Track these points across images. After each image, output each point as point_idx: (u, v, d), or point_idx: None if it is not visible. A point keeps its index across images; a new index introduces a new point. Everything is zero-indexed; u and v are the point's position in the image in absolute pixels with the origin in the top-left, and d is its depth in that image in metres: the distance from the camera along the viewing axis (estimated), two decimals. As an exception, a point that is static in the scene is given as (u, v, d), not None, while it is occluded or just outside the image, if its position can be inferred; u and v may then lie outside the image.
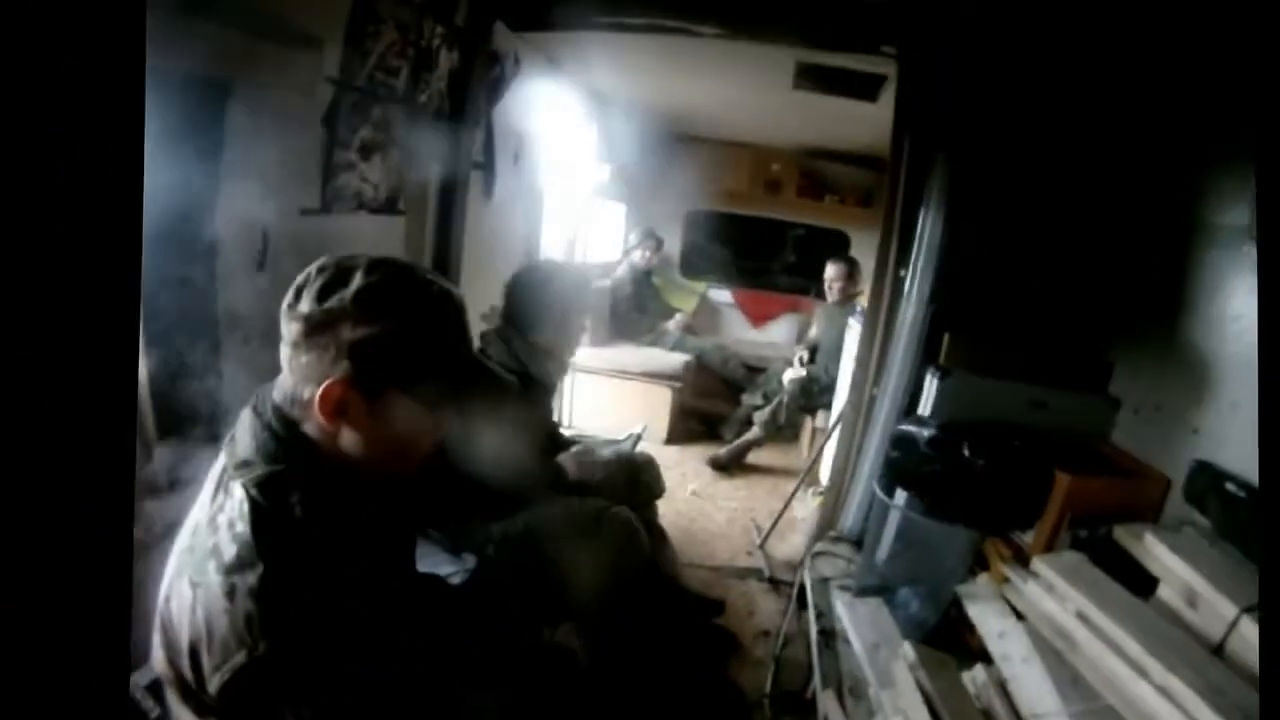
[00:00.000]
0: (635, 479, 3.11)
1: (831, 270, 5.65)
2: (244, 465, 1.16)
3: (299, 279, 1.17)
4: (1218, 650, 1.64)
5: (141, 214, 0.74)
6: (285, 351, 1.18)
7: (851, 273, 5.60)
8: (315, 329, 1.13)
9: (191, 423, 1.95)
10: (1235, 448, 2.09)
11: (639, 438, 3.83)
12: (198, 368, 1.96)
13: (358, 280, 1.14)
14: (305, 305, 1.14)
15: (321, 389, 1.15)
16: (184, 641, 1.08)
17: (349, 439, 1.21)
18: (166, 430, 1.94)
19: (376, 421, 1.21)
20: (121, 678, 0.85)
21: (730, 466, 5.43)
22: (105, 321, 0.72)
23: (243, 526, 1.10)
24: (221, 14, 1.79)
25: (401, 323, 1.17)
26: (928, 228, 2.91)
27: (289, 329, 1.16)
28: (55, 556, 0.70)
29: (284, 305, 1.16)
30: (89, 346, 0.70)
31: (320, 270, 1.17)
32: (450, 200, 3.31)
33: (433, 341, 1.23)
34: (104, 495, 0.74)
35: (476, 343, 2.58)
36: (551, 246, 5.31)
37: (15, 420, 0.65)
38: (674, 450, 5.70)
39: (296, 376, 1.18)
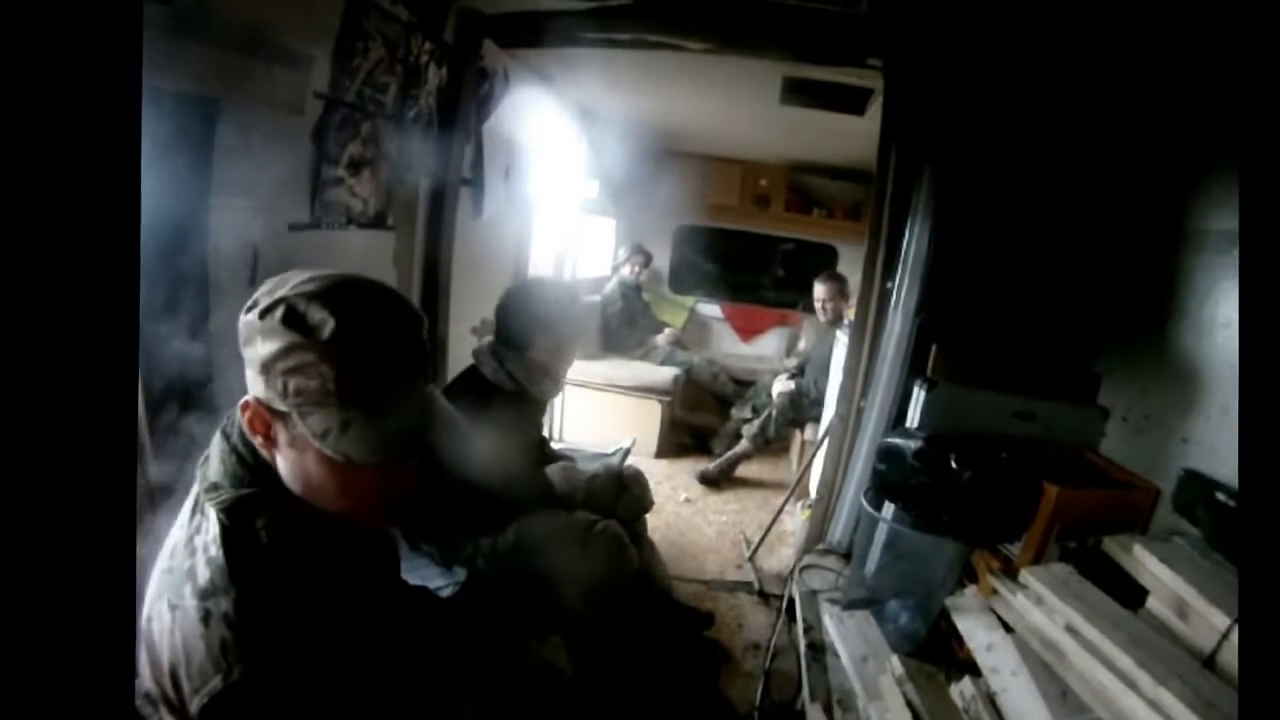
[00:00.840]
0: (624, 493, 3.11)
1: (821, 290, 5.62)
2: (214, 488, 1.16)
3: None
4: (1208, 662, 1.64)
5: (139, 222, 0.74)
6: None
7: (842, 290, 5.58)
8: (243, 342, 1.12)
9: (185, 437, 1.94)
10: (1225, 456, 2.10)
11: (628, 451, 3.83)
12: (191, 382, 1.96)
13: (282, 291, 1.10)
14: (240, 317, 1.12)
15: (241, 401, 1.15)
16: (165, 662, 1.08)
17: (283, 468, 1.18)
18: (160, 444, 1.93)
19: (294, 452, 1.16)
20: (126, 678, 0.86)
21: (720, 480, 5.42)
22: (105, 329, 0.72)
23: (215, 551, 1.10)
24: (210, 33, 1.80)
25: (310, 340, 1.08)
26: (915, 239, 2.92)
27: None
28: (59, 562, 0.71)
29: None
30: (90, 354, 0.71)
31: (267, 282, 1.14)
32: (439, 215, 3.32)
33: (351, 365, 1.11)
34: (107, 502, 0.74)
35: (470, 359, 2.61)
36: (541, 262, 5.31)
37: (23, 428, 0.66)
38: (664, 464, 5.71)
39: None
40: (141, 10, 0.74)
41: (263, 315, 1.08)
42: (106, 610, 0.77)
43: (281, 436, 1.15)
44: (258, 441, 1.17)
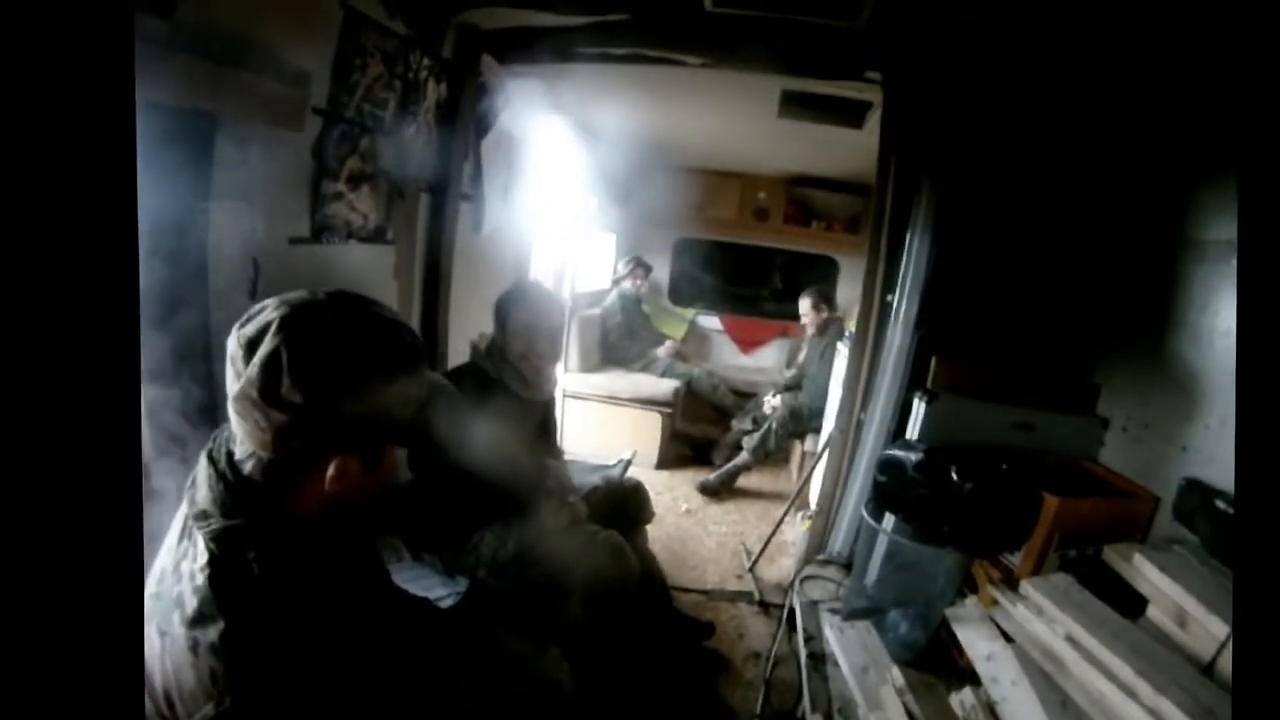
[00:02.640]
0: (624, 504, 3.11)
1: (803, 304, 5.74)
2: (203, 516, 1.14)
3: (261, 356, 1.10)
4: (1208, 670, 1.64)
5: (135, 229, 0.75)
6: (263, 436, 1.13)
7: (821, 302, 5.69)
8: (309, 417, 1.11)
9: (185, 450, 1.94)
10: (1225, 465, 2.10)
11: (629, 463, 3.83)
12: (192, 396, 1.96)
13: (342, 354, 1.13)
14: (295, 395, 1.09)
15: (333, 468, 1.16)
16: (158, 685, 1.09)
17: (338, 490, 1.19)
18: (159, 457, 1.94)
19: (370, 469, 1.22)
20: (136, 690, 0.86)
21: (720, 491, 5.42)
22: (106, 340, 0.73)
23: (201, 580, 1.09)
24: (208, 48, 1.80)
25: (390, 383, 1.18)
26: (914, 252, 2.93)
27: (269, 417, 1.11)
28: (63, 574, 0.71)
29: (252, 394, 1.10)
30: (91, 364, 0.72)
31: (292, 347, 1.10)
32: (439, 230, 3.33)
33: (412, 389, 1.24)
34: (111, 511, 0.75)
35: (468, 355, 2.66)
36: (541, 276, 5.32)
37: (27, 438, 0.67)
38: (664, 475, 5.71)
39: (281, 456, 1.15)
40: (132, 24, 0.74)
41: (350, 381, 1.14)
42: (111, 623, 0.77)
43: (359, 468, 1.20)
44: (332, 491, 1.18)
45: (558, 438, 3.29)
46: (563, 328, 2.84)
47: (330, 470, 1.16)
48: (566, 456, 3.32)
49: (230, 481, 1.16)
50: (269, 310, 1.12)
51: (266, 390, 1.09)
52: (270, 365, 1.08)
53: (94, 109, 0.71)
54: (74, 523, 0.72)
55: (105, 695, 0.77)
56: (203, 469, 1.19)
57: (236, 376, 1.11)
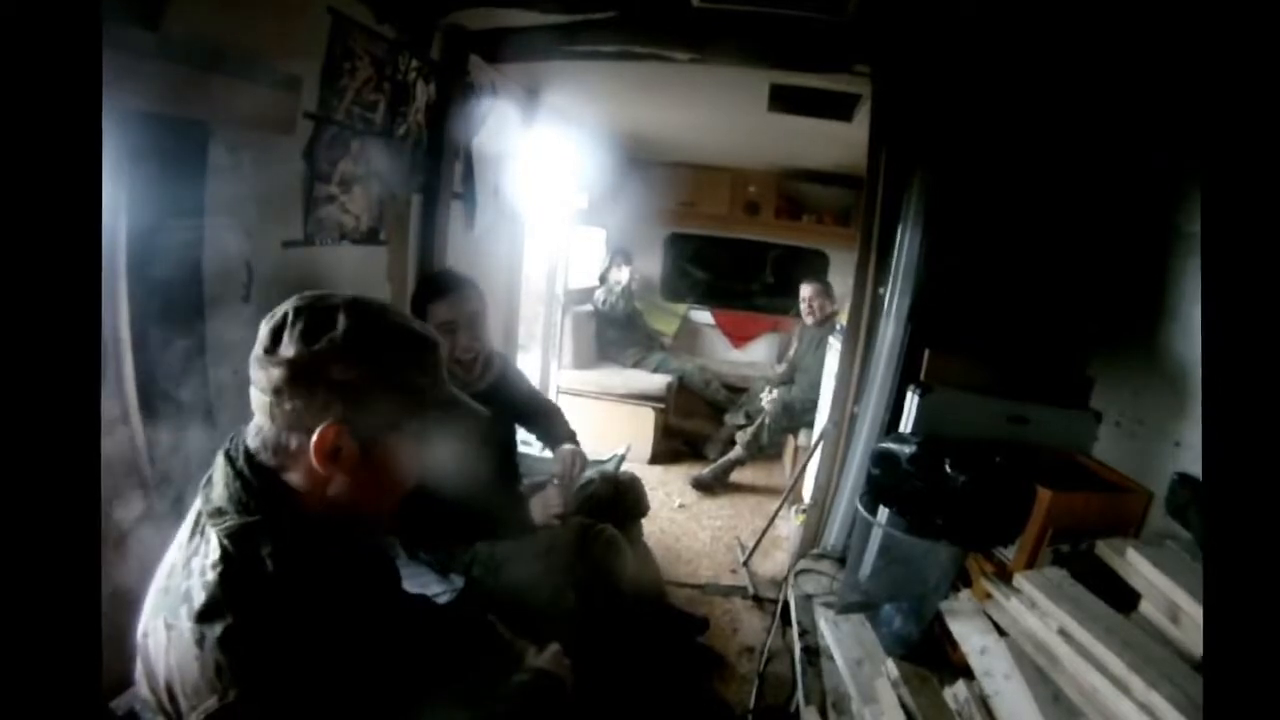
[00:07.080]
0: (619, 498, 3.12)
1: (807, 290, 5.77)
2: (218, 513, 1.16)
3: (271, 322, 1.18)
4: (1200, 665, 1.65)
5: (100, 230, 0.76)
6: (264, 399, 1.16)
7: (826, 292, 5.71)
8: (301, 373, 1.14)
9: (184, 456, 1.95)
10: (1218, 461, 2.10)
11: (623, 458, 3.85)
12: (188, 401, 1.96)
13: (342, 322, 1.16)
14: (290, 349, 1.13)
15: (316, 435, 1.15)
16: (161, 678, 1.09)
17: (338, 484, 1.21)
18: (158, 463, 1.94)
19: (369, 463, 1.22)
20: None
21: (714, 486, 5.44)
22: (67, 344, 0.74)
23: (213, 575, 1.10)
24: (197, 57, 1.80)
25: (390, 363, 1.21)
26: (906, 244, 2.93)
27: (268, 374, 1.14)
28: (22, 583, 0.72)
29: (258, 351, 1.16)
30: (51, 368, 0.73)
31: (298, 313, 1.16)
32: (431, 230, 3.35)
33: (418, 380, 1.25)
34: (70, 516, 0.76)
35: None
36: (533, 274, 5.33)
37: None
38: (658, 470, 5.76)
39: (279, 424, 1.17)
40: (100, 36, 0.75)
41: (346, 343, 1.16)
42: (69, 637, 0.78)
43: (355, 453, 1.20)
44: (319, 469, 1.18)
45: (537, 403, 3.28)
46: (481, 312, 2.71)
47: (314, 437, 1.16)
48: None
49: (247, 479, 1.18)
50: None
51: (270, 347, 1.15)
52: (277, 326, 1.16)
53: (60, 117, 0.72)
54: (34, 524, 0.73)
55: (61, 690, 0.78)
56: (219, 467, 1.21)
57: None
